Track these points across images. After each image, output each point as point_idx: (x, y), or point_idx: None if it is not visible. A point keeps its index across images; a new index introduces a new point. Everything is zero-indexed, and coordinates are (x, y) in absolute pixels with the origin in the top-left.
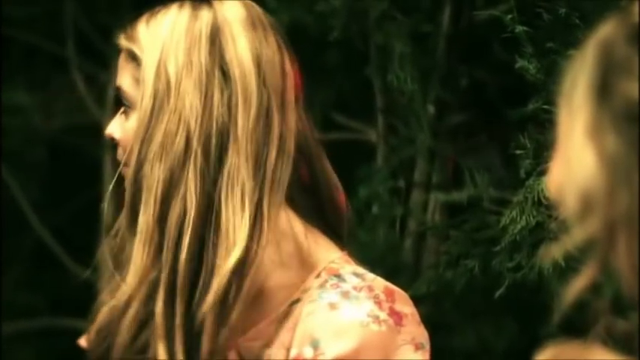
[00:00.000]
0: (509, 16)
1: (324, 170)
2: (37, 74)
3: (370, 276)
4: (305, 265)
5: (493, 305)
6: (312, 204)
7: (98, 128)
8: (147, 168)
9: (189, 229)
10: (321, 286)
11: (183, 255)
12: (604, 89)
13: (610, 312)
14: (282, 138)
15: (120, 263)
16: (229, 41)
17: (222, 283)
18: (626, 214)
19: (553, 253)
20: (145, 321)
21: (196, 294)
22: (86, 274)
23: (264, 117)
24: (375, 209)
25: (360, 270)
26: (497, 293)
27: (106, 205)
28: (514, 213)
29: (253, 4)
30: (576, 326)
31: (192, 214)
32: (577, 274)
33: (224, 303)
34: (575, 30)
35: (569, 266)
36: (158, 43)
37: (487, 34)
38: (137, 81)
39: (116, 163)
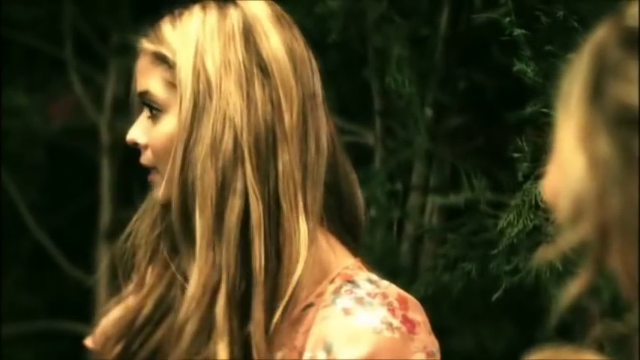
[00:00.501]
0: (508, 19)
1: (346, 170)
2: (35, 76)
3: (384, 283)
4: (321, 269)
5: (491, 308)
6: (331, 203)
7: (96, 130)
8: (197, 171)
9: (253, 230)
10: (336, 291)
11: (254, 257)
12: (596, 93)
13: (607, 315)
14: (317, 134)
15: (127, 268)
16: (262, 37)
17: (290, 292)
18: (618, 218)
19: (547, 255)
20: (206, 325)
21: (257, 298)
22: (90, 282)
23: (303, 114)
24: (372, 212)
25: (374, 277)
26: (495, 296)
27: (104, 208)
28: (511, 216)
29: (272, 2)
30: (574, 329)
31: (254, 215)
32: (574, 278)
33: (285, 309)
34: (573, 33)
35: (567, 269)
36: (191, 44)
37: (485, 36)
38: (169, 83)
39: (114, 167)
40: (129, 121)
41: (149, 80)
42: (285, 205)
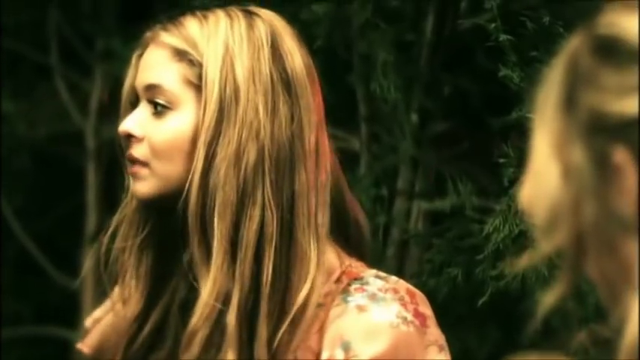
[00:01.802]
0: (493, 25)
1: (346, 188)
2: (20, 82)
3: (393, 278)
4: (325, 270)
5: (476, 313)
6: (334, 223)
7: (81, 136)
8: (220, 177)
9: (265, 244)
10: (344, 290)
11: (263, 271)
12: (570, 101)
13: (592, 319)
14: (326, 154)
15: (112, 273)
16: (288, 54)
17: (294, 310)
18: (593, 226)
19: (525, 262)
20: (216, 334)
21: (262, 312)
22: (75, 286)
23: (318, 134)
24: None
25: (381, 273)
26: (481, 301)
27: (90, 214)
28: (497, 221)
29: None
30: (559, 334)
31: (268, 229)
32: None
33: (291, 325)
34: (558, 38)
35: (553, 275)
36: (220, 46)
37: (471, 42)
38: (188, 81)
39: (99, 172)
40: (114, 126)
41: (163, 74)
42: (298, 224)
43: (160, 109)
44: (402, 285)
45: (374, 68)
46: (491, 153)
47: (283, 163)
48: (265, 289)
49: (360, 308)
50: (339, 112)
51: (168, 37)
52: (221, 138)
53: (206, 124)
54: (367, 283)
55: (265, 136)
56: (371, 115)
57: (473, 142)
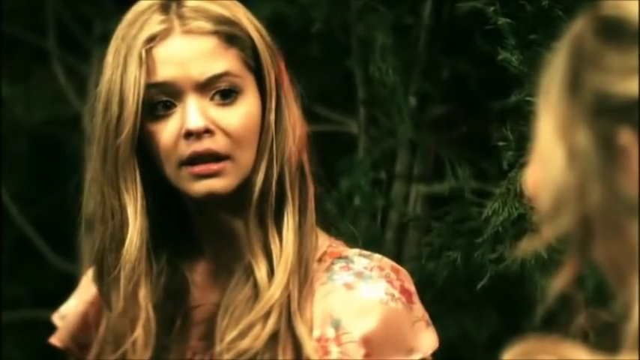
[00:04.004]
0: (492, 8)
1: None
2: (18, 66)
3: (377, 256)
4: None
5: (475, 297)
6: None
7: (79, 120)
8: (285, 148)
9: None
10: (328, 269)
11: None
12: (575, 84)
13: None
14: None
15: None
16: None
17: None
18: (599, 208)
19: (530, 247)
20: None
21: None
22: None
23: None
24: (356, 201)
25: (364, 251)
26: (480, 285)
27: (86, 198)
28: (497, 205)
29: None
30: (558, 318)
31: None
32: (559, 267)
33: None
34: (558, 22)
35: (552, 258)
36: (250, 24)
37: (469, 25)
38: (246, 64)
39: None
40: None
41: (225, 62)
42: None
43: (231, 98)
44: (387, 262)
45: (372, 51)
46: (490, 136)
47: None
48: (305, 257)
49: (348, 286)
50: (337, 96)
51: (209, 25)
52: (283, 110)
53: (273, 100)
54: (352, 262)
55: (299, 105)
56: (369, 99)
57: (471, 125)
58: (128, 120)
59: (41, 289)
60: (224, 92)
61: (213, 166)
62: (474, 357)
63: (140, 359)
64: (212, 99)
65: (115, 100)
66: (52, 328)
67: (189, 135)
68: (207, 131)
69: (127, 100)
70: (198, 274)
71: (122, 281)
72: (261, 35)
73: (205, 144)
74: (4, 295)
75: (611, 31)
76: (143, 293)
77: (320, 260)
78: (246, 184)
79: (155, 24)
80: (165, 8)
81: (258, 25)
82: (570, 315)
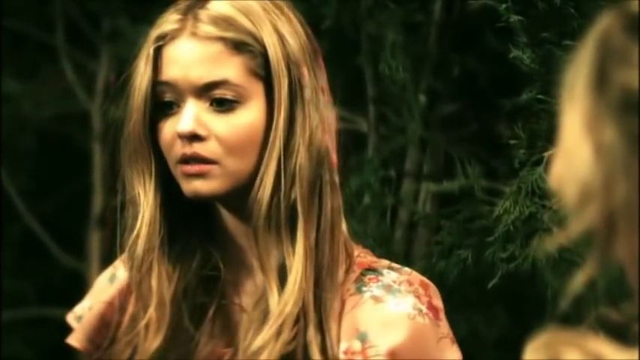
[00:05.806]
0: (504, 6)
1: None
2: (26, 62)
3: (406, 270)
4: None
5: (486, 296)
6: None
7: (87, 117)
8: (300, 158)
9: (337, 220)
10: (358, 280)
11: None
12: (602, 80)
13: (603, 303)
14: None
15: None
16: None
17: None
18: (625, 205)
19: (549, 244)
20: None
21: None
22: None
23: None
24: (366, 199)
25: (394, 264)
26: (491, 284)
27: (96, 195)
28: (508, 203)
29: None
30: (569, 317)
31: (337, 204)
32: (571, 266)
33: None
34: (570, 20)
35: (562, 257)
36: (272, 31)
37: (480, 23)
38: (253, 73)
39: (105, 154)
40: (120, 107)
41: (225, 69)
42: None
43: (227, 106)
44: (416, 277)
45: (382, 49)
46: (500, 134)
47: (333, 139)
48: (325, 268)
49: (376, 299)
50: (347, 93)
51: (216, 30)
52: (296, 122)
53: (283, 112)
54: (381, 274)
55: (323, 114)
56: (379, 96)
57: (482, 123)
58: (135, 112)
59: (47, 285)
60: (222, 100)
61: (199, 167)
62: (484, 356)
63: (150, 345)
64: (212, 104)
65: (130, 91)
66: (57, 326)
67: (181, 137)
68: (196, 136)
69: (134, 92)
70: (228, 272)
71: (133, 270)
72: (283, 44)
73: (194, 147)
74: (10, 291)
75: (638, 27)
76: (156, 281)
77: (347, 271)
78: (251, 198)
79: (170, 23)
80: (187, 9)
81: (286, 32)
82: (582, 314)
